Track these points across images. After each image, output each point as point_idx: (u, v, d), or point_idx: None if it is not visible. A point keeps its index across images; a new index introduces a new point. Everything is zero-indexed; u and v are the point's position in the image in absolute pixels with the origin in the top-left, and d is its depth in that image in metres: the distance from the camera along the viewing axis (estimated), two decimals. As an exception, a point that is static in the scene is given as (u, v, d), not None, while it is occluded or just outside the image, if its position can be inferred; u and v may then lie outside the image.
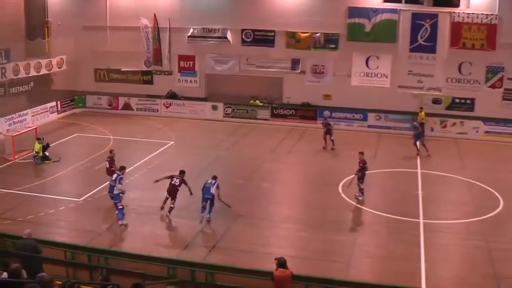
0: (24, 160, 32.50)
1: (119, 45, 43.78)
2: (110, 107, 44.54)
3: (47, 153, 32.10)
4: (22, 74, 39.39)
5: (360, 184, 26.67)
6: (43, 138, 32.84)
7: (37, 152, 31.93)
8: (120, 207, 23.56)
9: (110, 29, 44.24)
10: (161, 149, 34.57)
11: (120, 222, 23.59)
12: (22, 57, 40.76)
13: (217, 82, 43.63)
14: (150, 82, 44.80)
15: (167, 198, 24.35)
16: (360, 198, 26.56)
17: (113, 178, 24.15)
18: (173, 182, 24.17)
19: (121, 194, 23.95)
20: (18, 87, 40.11)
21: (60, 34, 43.33)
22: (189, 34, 42.99)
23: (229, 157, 32.97)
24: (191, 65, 43.79)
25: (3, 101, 38.71)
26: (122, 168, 24.78)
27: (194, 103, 43.30)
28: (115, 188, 23.77)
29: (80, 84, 45.20)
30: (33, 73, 40.43)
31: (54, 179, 29.76)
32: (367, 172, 26.76)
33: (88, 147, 33.78)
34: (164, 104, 43.62)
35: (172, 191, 24.12)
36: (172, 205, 23.99)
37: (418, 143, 34.14)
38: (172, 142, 36.12)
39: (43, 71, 41.67)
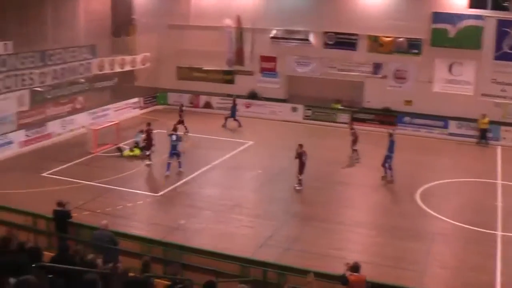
0: (105, 153, 33.17)
1: (202, 44, 43.95)
2: (191, 105, 44.66)
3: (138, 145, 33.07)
4: (107, 70, 39.88)
5: (299, 175, 28.08)
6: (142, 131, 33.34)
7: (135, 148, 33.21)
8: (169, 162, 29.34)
9: (194, 28, 44.47)
10: (240, 149, 34.76)
11: (167, 173, 29.08)
12: (107, 53, 41.34)
13: (297, 84, 43.46)
14: (231, 81, 45.07)
15: None
16: (298, 188, 27.97)
17: (174, 139, 29.71)
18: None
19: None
20: (102, 82, 40.55)
21: (145, 32, 43.91)
22: (271, 35, 43.02)
23: (307, 160, 31.84)
24: (272, 66, 43.84)
25: (88, 96, 39.46)
26: (175, 129, 30.77)
27: (274, 104, 43.35)
28: (177, 145, 29.55)
29: (162, 82, 45.92)
30: (117, 69, 40.96)
31: (133, 174, 30.26)
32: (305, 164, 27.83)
33: (168, 143, 32.92)
34: (244, 104, 43.59)
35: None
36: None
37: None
38: (251, 142, 36.18)
39: (127, 68, 42.07)
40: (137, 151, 32.61)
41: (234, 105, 40.85)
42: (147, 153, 31.66)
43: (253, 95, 44.40)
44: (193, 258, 17.94)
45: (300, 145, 28.28)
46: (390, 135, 29.84)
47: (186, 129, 37.05)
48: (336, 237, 22.96)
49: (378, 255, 21.16)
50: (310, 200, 26.75)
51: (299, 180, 28.15)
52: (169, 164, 30.02)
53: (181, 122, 36.73)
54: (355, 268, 15.09)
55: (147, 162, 31.42)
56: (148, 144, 31.73)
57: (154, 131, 33.14)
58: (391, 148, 29.42)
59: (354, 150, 33.29)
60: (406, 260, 20.99)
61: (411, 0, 39.75)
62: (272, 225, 23.70)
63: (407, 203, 26.87)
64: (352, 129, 33.89)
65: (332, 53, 41.65)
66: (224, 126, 40.04)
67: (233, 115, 40.45)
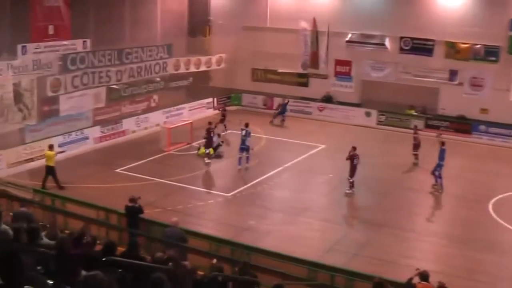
0: (178, 152, 33.57)
1: (277, 46, 43.88)
2: (264, 107, 45.12)
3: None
4: (182, 70, 40.53)
5: (350, 178, 27.99)
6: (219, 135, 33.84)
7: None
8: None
9: (269, 30, 44.66)
10: (312, 152, 34.56)
11: (239, 167, 30.41)
12: (183, 53, 42.05)
13: (372, 88, 42.77)
14: (305, 84, 44.73)
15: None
16: (348, 192, 27.90)
17: (243, 134, 30.70)
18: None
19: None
20: (178, 82, 40.92)
21: (221, 33, 44.45)
22: (347, 39, 42.53)
23: (379, 165, 32.23)
24: (347, 70, 43.39)
25: (163, 94, 39.86)
26: (247, 125, 31.17)
27: (347, 108, 42.79)
28: (246, 140, 30.46)
29: (237, 83, 45.94)
30: (192, 69, 41.46)
31: (206, 173, 30.74)
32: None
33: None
34: (318, 107, 43.51)
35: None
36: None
37: None
38: (323, 146, 35.84)
39: (202, 68, 42.60)
40: (211, 151, 32.10)
41: (285, 104, 41.95)
42: (207, 151, 31.68)
43: (328, 99, 43.86)
44: (261, 259, 17.98)
45: (354, 148, 28.20)
46: (442, 143, 29.13)
47: (225, 127, 37.47)
48: (406, 245, 22.70)
49: (448, 265, 20.68)
50: (379, 206, 26.36)
51: (350, 183, 27.91)
52: (240, 158, 30.93)
53: (222, 121, 37.77)
54: (424, 276, 14.87)
55: (207, 160, 31.55)
56: (208, 142, 31.71)
57: (228, 132, 34.18)
58: (441, 156, 28.75)
59: (415, 155, 32.72)
60: (477, 271, 20.55)
61: (489, 6, 38.76)
62: (341, 229, 23.72)
63: (479, 213, 26.15)
64: (415, 133, 33.27)
65: (407, 59, 40.95)
66: (271, 122, 40.93)
67: (281, 112, 41.45)
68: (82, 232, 12.20)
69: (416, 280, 15.05)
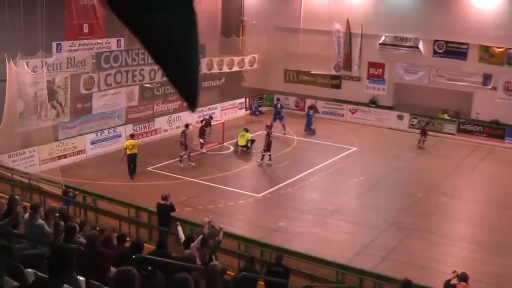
0: (211, 151, 33.67)
1: (310, 47, 43.87)
2: (296, 108, 45.11)
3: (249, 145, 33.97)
4: (215, 70, 40.51)
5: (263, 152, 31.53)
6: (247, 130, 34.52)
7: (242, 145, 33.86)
8: None
9: (303, 31, 44.53)
10: (343, 154, 34.42)
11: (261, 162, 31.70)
12: (216, 53, 42.15)
13: (404, 91, 42.50)
14: (338, 86, 44.29)
15: None
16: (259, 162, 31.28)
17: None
18: None
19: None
20: (210, 82, 40.92)
21: (254, 34, 44.70)
22: (380, 41, 42.28)
23: (411, 169, 32.41)
24: (380, 73, 43.14)
25: None
26: (270, 126, 33.20)
27: (380, 111, 42.67)
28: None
29: (269, 83, 45.61)
30: (225, 69, 41.44)
31: (237, 173, 30.84)
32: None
33: (274, 145, 32.64)
34: (350, 109, 43.38)
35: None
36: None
37: None
38: (354, 148, 35.81)
39: (235, 68, 42.62)
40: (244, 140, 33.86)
41: (278, 106, 40.41)
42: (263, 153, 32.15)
43: (373, 102, 43.05)
44: (290, 261, 17.81)
45: (267, 126, 32.64)
46: None
47: (201, 145, 33.93)
48: (437, 249, 22.39)
49: (479, 271, 20.10)
50: (411, 209, 26.10)
51: (263, 155, 31.56)
52: (262, 156, 31.79)
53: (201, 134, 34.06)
54: (463, 278, 14.96)
55: (258, 161, 32.09)
56: (268, 145, 31.63)
57: (258, 133, 34.06)
58: None
59: None
60: (508, 278, 20.07)
61: (524, 10, 40.19)
62: (371, 233, 23.49)
63: (512, 219, 27.50)
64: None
65: (441, 62, 40.44)
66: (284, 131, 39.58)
67: (276, 117, 39.60)
68: (108, 237, 12.23)
69: (455, 281, 15.00)
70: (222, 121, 36.96)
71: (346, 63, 43.95)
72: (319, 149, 35.70)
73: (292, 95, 45.44)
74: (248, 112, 44.11)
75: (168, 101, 38.29)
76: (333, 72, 44.27)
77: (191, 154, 31.60)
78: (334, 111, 43.77)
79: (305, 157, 33.55)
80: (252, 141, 33.80)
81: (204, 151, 33.26)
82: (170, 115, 37.79)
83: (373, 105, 43.15)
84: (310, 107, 41.49)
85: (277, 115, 39.73)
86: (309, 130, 39.43)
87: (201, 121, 34.32)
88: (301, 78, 45.22)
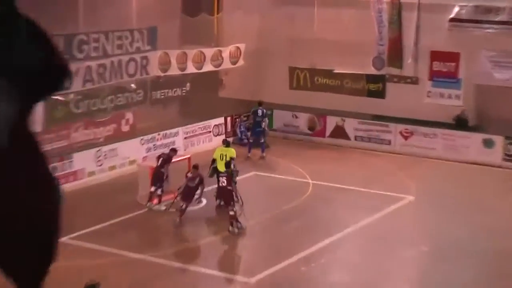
0: (168, 207, 32.49)
1: (331, 30, 40.41)
2: (311, 132, 42.90)
3: None
4: (174, 70, 38.45)
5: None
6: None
7: None
8: None
9: (319, 4, 41.94)
10: (391, 208, 32.89)
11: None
12: (174, 42, 40.69)
13: (494, 99, 39.88)
14: (380, 94, 41.40)
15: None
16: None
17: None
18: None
19: None
20: (165, 91, 39.86)
21: (238, 9, 42.73)
22: (451, 15, 39.43)
23: (506, 230, 30.58)
24: (452, 69, 40.37)
25: (141, 112, 39.39)
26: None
27: (451, 134, 40.14)
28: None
29: (264, 92, 43.04)
30: (191, 69, 39.15)
31: (213, 243, 30.43)
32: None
33: (275, 195, 33.43)
34: (401, 132, 41.11)
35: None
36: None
37: None
38: (410, 197, 34.09)
39: (207, 67, 40.24)
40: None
41: (258, 115, 40.60)
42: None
43: (461, 122, 41.50)
44: None
45: (194, 166, 31.68)
46: None
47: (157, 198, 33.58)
48: None
49: None
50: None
51: (233, 220, 30.15)
52: (232, 220, 30.31)
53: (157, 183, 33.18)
54: None
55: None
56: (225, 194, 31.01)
57: (249, 174, 34.04)
58: None
59: None
60: None
61: None
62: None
63: None
64: None
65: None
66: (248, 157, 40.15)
67: (256, 130, 40.08)
68: None
69: None
70: (187, 156, 35.35)
71: (393, 54, 41.26)
72: (349, 200, 34.09)
73: (302, 111, 43.46)
74: (231, 139, 40.52)
75: (95, 124, 36.92)
76: (372, 71, 41.79)
77: (134, 214, 31.42)
78: (374, 136, 41.45)
79: (326, 214, 32.27)
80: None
81: (163, 208, 31.95)
82: (98, 148, 36.26)
83: (461, 128, 41.15)
84: (260, 104, 40.63)
85: (257, 128, 39.33)
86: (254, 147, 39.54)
87: (158, 158, 33.10)
88: (318, 81, 43.24)
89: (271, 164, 38.37)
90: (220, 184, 30.47)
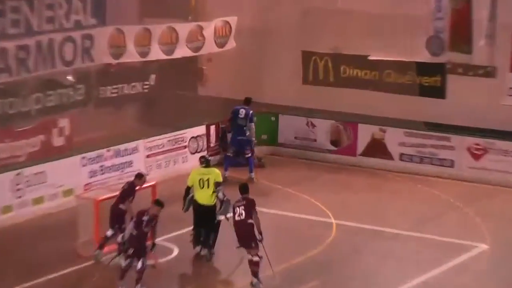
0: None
1: (365, 1, 37.43)
2: (334, 148, 39.70)
3: None
4: (132, 56, 34.82)
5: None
6: None
7: None
8: None
9: None
10: (455, 262, 29.33)
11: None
12: (132, 14, 37.83)
13: None
14: (437, 91, 37.19)
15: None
16: None
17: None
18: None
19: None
20: (121, 86, 36.45)
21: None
22: None
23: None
24: None
25: (83, 117, 35.93)
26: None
27: None
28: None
29: (265, 88, 40.40)
30: (157, 54, 35.72)
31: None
32: None
33: (282, 241, 30.09)
34: (470, 148, 37.30)
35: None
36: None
37: None
38: (483, 246, 30.53)
39: (181, 52, 36.51)
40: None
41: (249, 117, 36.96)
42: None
43: None
44: None
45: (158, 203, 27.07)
46: None
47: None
48: None
49: None
50: None
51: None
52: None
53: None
54: None
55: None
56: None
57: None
58: None
59: None
60: None
61: None
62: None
63: None
64: None
65: None
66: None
67: (237, 138, 37.38)
68: None
69: None
70: (152, 182, 31.43)
71: (458, 34, 36.95)
72: (394, 250, 30.60)
73: (322, 116, 39.83)
74: (217, 157, 38.72)
75: (13, 136, 33.26)
76: (426, 57, 37.52)
77: (70, 270, 28.12)
78: (429, 154, 37.76)
79: (358, 271, 28.87)
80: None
81: (117, 260, 27.66)
82: (18, 171, 32.38)
83: None
84: (247, 102, 37.71)
85: (238, 135, 36.72)
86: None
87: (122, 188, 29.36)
88: (345, 73, 39.56)
89: (271, 193, 35.86)
90: (236, 218, 27.65)
